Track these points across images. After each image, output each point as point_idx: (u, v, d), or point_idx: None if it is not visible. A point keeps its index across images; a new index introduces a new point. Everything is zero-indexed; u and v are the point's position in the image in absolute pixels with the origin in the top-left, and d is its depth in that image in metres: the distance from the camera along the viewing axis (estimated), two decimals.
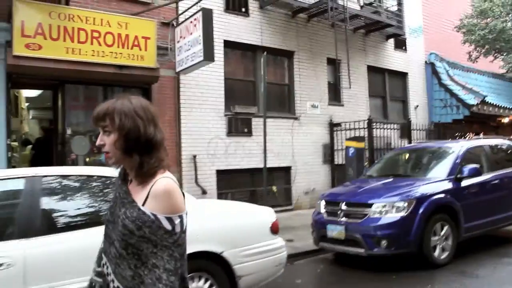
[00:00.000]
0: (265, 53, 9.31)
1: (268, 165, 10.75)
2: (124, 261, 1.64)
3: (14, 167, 8.35)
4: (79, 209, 3.98)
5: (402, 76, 15.19)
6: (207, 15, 8.60)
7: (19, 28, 7.81)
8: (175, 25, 9.69)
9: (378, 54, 14.21)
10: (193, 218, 4.42)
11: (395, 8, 14.60)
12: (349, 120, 12.41)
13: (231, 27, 10.81)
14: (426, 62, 15.81)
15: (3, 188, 3.81)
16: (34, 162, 9.53)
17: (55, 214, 3.82)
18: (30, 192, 3.69)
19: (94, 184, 4.17)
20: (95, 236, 3.77)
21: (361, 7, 12.86)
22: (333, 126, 12.54)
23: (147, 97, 9.41)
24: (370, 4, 13.40)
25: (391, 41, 14.60)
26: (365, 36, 13.77)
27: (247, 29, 11.16)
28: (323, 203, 7.26)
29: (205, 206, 5.03)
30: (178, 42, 9.37)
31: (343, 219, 6.70)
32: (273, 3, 11.44)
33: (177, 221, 1.65)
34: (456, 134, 14.12)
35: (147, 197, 1.66)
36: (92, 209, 4.03)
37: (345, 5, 11.89)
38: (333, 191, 7.80)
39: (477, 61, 17.02)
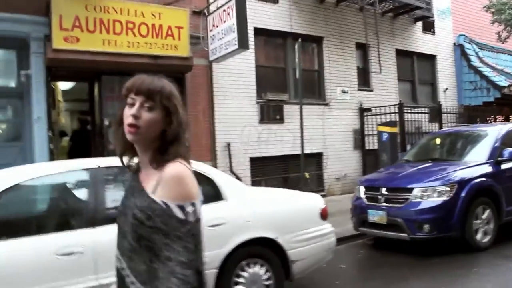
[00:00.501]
0: (299, 40, 9.27)
1: (299, 152, 10.80)
2: (137, 255, 1.55)
3: (53, 159, 8.51)
4: None
5: (430, 59, 14.96)
6: (241, 3, 8.60)
7: (57, 22, 7.92)
8: (206, 14, 9.71)
9: (407, 37, 14.01)
10: (248, 205, 4.58)
11: None
12: (378, 105, 12.33)
13: (260, 14, 10.76)
14: (454, 44, 15.52)
15: (70, 179, 3.92)
16: (72, 153, 9.70)
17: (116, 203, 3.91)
18: (95, 182, 3.79)
19: None
20: None
21: None
22: (363, 111, 12.46)
23: (181, 86, 9.49)
24: None
25: (419, 23, 14.37)
26: (393, 19, 13.58)
27: (276, 15, 11.10)
28: (362, 188, 7.25)
29: (257, 193, 5.10)
30: (210, 31, 9.39)
31: (384, 204, 6.71)
32: None
33: (189, 209, 1.50)
34: (489, 118, 13.86)
35: (157, 184, 1.54)
36: None
37: None
38: (372, 177, 7.78)
39: (506, 41, 16.63)
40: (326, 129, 11.70)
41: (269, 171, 10.69)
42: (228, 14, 8.71)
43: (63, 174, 4.00)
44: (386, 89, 13.24)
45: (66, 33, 7.98)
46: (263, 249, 4.50)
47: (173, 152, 1.56)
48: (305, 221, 4.86)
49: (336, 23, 12.21)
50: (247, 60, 10.38)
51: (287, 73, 11.34)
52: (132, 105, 1.57)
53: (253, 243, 4.40)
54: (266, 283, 4.43)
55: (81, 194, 3.91)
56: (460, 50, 15.38)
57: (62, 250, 3.39)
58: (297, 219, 4.82)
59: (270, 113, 10.75)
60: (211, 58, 9.38)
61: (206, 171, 4.57)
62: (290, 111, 10.97)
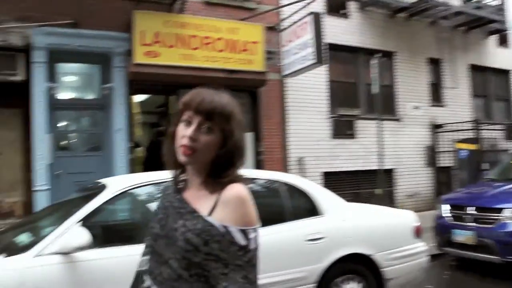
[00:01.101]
0: (379, 54, 9.10)
1: (371, 167, 10.53)
2: (186, 284, 1.36)
3: (133, 169, 8.67)
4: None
5: (505, 74, 14.29)
6: (317, 18, 8.55)
7: (138, 37, 8.17)
8: (279, 30, 9.72)
9: (480, 52, 13.47)
10: (345, 220, 4.43)
11: (496, 3, 13.78)
12: (451, 121, 11.86)
13: (332, 30, 10.64)
14: None
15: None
16: (147, 164, 9.87)
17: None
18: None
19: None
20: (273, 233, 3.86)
21: (464, 2, 12.26)
22: (435, 128, 12.01)
23: (254, 101, 9.53)
24: (470, 0, 12.77)
25: (493, 37, 13.79)
26: (466, 33, 13.10)
27: (347, 30, 10.98)
28: (446, 207, 6.90)
29: (353, 208, 4.95)
30: (284, 46, 9.38)
31: (473, 224, 6.33)
32: (373, 4, 11.18)
33: (252, 235, 1.34)
34: None
35: (214, 206, 1.38)
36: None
37: (447, 1, 11.39)
38: (456, 195, 7.41)
39: None
40: (398, 145, 11.34)
41: (341, 186, 10.44)
42: (304, 29, 8.67)
43: None
44: (459, 105, 12.73)
45: (147, 48, 8.21)
46: (358, 266, 4.35)
47: (230, 175, 1.43)
48: (400, 238, 4.68)
49: (408, 38, 11.91)
50: (319, 75, 10.27)
51: (358, 88, 11.14)
52: (189, 123, 1.42)
53: (348, 259, 4.26)
54: None
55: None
56: None
57: None
58: (392, 236, 4.65)
59: (342, 128, 10.56)
60: (285, 73, 9.35)
61: (301, 185, 4.49)
62: (362, 126, 10.77)
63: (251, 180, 3.66)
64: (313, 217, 4.29)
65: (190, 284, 1.35)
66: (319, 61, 8.43)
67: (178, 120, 1.46)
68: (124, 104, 8.41)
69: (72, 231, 3.24)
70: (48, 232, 3.36)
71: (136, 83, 8.50)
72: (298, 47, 8.86)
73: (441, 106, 12.41)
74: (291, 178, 4.69)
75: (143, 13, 8.25)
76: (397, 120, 11.51)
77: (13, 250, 3.33)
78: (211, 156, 1.42)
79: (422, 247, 4.81)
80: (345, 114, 10.67)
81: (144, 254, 1.55)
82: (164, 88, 9.38)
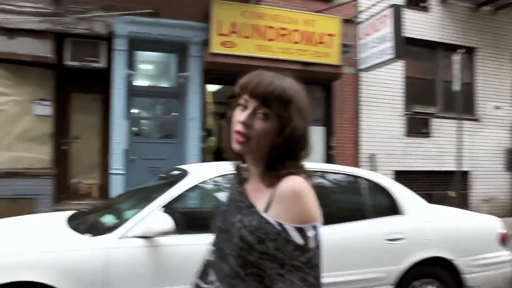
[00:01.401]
0: (462, 50, 8.65)
1: (445, 168, 10.08)
2: (242, 283, 1.27)
3: (204, 157, 8.73)
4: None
5: None
6: (398, 11, 8.21)
7: (216, 27, 8.17)
8: (356, 22, 9.43)
9: None
10: (427, 222, 4.20)
11: None
12: None
13: (411, 23, 10.19)
14: None
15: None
16: (217, 153, 9.94)
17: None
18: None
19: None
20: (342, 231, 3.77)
21: None
22: None
23: (328, 94, 9.33)
24: None
25: None
26: None
27: (427, 25, 10.48)
28: None
29: (435, 210, 4.70)
30: (361, 39, 9.10)
31: None
32: None
33: (311, 233, 1.21)
34: None
35: (270, 201, 1.26)
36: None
37: None
38: None
39: None
40: (475, 146, 10.73)
41: (412, 186, 9.82)
42: (383, 22, 8.35)
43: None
44: None
45: (223, 38, 8.20)
46: (439, 270, 4.13)
47: (288, 167, 1.29)
48: (483, 244, 4.42)
49: (492, 33, 11.21)
50: (395, 70, 9.88)
51: (436, 85, 10.64)
52: (245, 108, 1.31)
53: (428, 262, 4.06)
54: None
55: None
56: None
57: None
58: (476, 241, 4.39)
59: (417, 126, 10.14)
60: (361, 67, 9.07)
61: (383, 182, 4.32)
62: (438, 125, 10.30)
63: (314, 173, 3.52)
64: (394, 216, 4.13)
65: (246, 283, 1.26)
66: (398, 56, 8.10)
67: (236, 104, 1.35)
68: (199, 93, 8.48)
69: (155, 216, 3.26)
70: (131, 215, 3.41)
71: (210, 73, 8.54)
72: (376, 41, 8.55)
73: None
74: (372, 174, 4.52)
75: (221, 3, 8.24)
76: (475, 120, 10.89)
77: (98, 230, 3.41)
78: (267, 145, 1.29)
79: (507, 256, 4.51)
80: (420, 111, 10.22)
81: (212, 244, 1.46)
82: (237, 79, 9.39)
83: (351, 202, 4.26)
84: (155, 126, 8.82)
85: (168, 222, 3.18)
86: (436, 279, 4.12)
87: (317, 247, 1.23)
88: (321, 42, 8.76)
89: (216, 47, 8.12)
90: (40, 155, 7.93)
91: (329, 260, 3.48)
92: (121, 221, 3.45)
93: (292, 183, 1.25)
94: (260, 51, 8.38)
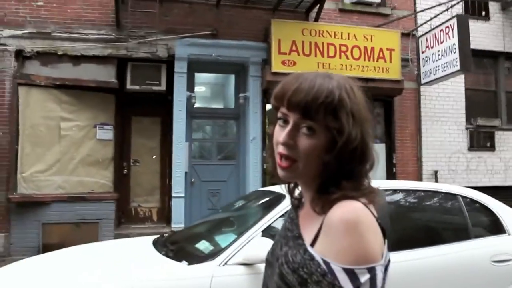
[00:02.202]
0: None
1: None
2: None
3: (266, 178, 8.53)
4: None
5: None
6: (463, 22, 7.86)
7: (276, 46, 8.02)
8: (416, 36, 9.10)
9: None
10: None
11: None
12: None
13: (471, 34, 9.80)
14: None
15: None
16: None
17: None
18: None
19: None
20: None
21: None
22: None
23: (389, 110, 9.00)
24: None
25: None
26: None
27: (488, 34, 10.03)
28: None
29: None
30: (423, 52, 8.75)
31: None
32: None
33: (364, 278, 0.90)
34: None
35: (318, 232, 1.00)
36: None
37: None
38: None
39: None
40: None
41: None
42: (447, 33, 8.01)
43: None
44: None
45: (284, 57, 8.04)
46: None
47: (344, 188, 1.00)
48: None
49: None
50: (456, 83, 9.47)
51: (499, 96, 10.16)
52: (285, 122, 1.05)
53: None
54: None
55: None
56: None
57: None
58: None
59: (480, 140, 9.67)
60: (423, 81, 8.72)
61: (483, 200, 4.01)
62: (502, 137, 9.79)
63: (379, 195, 3.28)
64: (498, 236, 3.81)
65: None
66: (464, 68, 7.72)
67: (275, 119, 1.10)
68: (259, 113, 8.31)
69: (256, 242, 3.05)
70: (229, 242, 3.23)
71: (271, 93, 8.35)
72: (439, 53, 8.19)
73: None
74: (470, 192, 4.18)
75: (280, 22, 8.11)
76: None
77: (194, 257, 3.23)
78: (318, 165, 1.03)
79: None
80: (483, 124, 9.75)
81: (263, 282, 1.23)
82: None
83: (452, 222, 3.96)
84: (214, 148, 8.68)
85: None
86: None
87: None
88: (381, 57, 8.49)
89: (276, 66, 7.95)
90: (101, 179, 7.92)
91: (431, 285, 3.26)
92: (217, 247, 3.29)
93: (344, 209, 0.96)
94: (320, 69, 8.11)
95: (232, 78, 8.75)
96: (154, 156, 8.52)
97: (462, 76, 9.51)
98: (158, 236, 4.16)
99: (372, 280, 0.91)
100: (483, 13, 10.04)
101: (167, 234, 4.26)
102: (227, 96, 8.84)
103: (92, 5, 7.81)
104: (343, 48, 8.32)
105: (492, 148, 9.74)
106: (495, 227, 3.86)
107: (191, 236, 4.02)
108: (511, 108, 10.16)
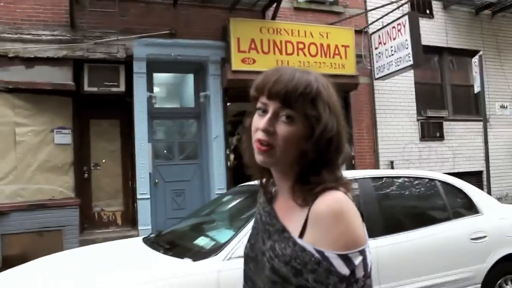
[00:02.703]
0: (480, 53, 8.69)
1: (459, 169, 10.09)
2: None
3: (230, 175, 8.51)
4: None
5: None
6: (414, 19, 8.18)
7: (235, 45, 8.02)
8: (368, 32, 9.39)
9: None
10: (504, 219, 4.10)
11: None
12: None
13: None
14: None
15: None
16: (235, 170, 9.74)
17: None
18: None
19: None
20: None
21: None
22: None
23: (346, 105, 9.21)
24: None
25: None
26: None
27: (432, 31, 10.50)
28: None
29: (505, 207, 4.63)
30: (376, 48, 9.04)
31: None
32: (458, 3, 10.69)
33: (357, 260, 0.97)
34: None
35: (305, 224, 1.03)
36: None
37: None
38: None
39: None
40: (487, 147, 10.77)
41: None
42: (399, 30, 8.31)
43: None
44: None
45: (243, 55, 8.07)
46: None
47: (325, 179, 1.05)
48: None
49: (493, 36, 11.31)
50: (406, 78, 9.85)
51: (445, 89, 10.67)
52: (264, 112, 1.09)
53: (508, 259, 4.02)
54: None
55: None
56: None
57: None
58: None
59: (430, 130, 10.12)
60: (377, 76, 9.00)
61: (457, 183, 4.32)
62: (449, 127, 10.30)
63: (354, 184, 3.48)
64: (473, 216, 4.10)
65: None
66: (416, 63, 8.05)
67: (253, 110, 1.14)
68: (221, 111, 8.29)
69: None
70: (229, 236, 3.26)
71: (232, 90, 8.37)
72: (392, 49, 8.50)
73: None
74: (446, 177, 4.43)
75: (239, 21, 8.12)
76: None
77: (197, 254, 3.23)
78: (296, 153, 1.06)
79: None
80: (432, 116, 10.21)
81: (243, 277, 1.24)
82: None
83: (433, 205, 4.20)
84: (176, 147, 8.57)
85: None
86: None
87: (366, 275, 0.98)
88: (337, 54, 8.69)
89: (237, 65, 7.96)
90: (62, 184, 7.62)
91: (422, 263, 3.43)
92: (218, 243, 3.31)
93: (330, 200, 1.01)
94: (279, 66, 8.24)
95: (191, 77, 8.67)
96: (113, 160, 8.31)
97: (412, 70, 9.92)
98: (146, 236, 4.10)
99: (364, 260, 0.98)
100: (428, 11, 10.49)
101: (153, 235, 4.19)
102: (186, 96, 8.75)
103: (43, 5, 7.48)
104: (301, 46, 8.45)
105: (441, 137, 10.22)
106: (470, 208, 4.13)
107: (185, 234, 3.98)
108: (456, 99, 10.70)
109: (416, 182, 4.20)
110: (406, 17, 8.13)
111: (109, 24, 7.47)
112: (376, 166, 9.37)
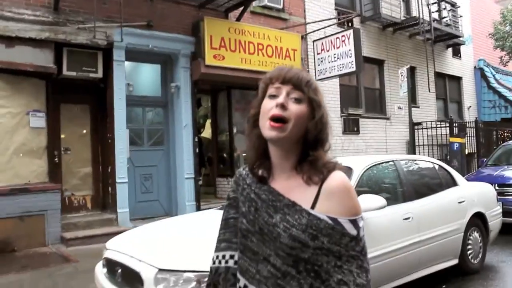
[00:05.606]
0: (407, 66, 10.27)
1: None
2: (293, 281, 1.21)
3: (201, 162, 8.90)
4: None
5: (457, 80, 16.27)
6: (357, 34, 9.43)
7: (208, 41, 8.48)
8: (307, 40, 10.48)
9: (442, 61, 15.21)
10: (471, 189, 5.78)
11: (453, 19, 15.44)
12: (422, 120, 13.38)
13: None
14: (475, 67, 16.95)
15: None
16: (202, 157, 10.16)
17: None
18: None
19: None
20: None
21: (434, 21, 13.80)
22: (414, 125, 13.44)
23: None
24: (442, 18, 14.31)
25: (450, 49, 15.65)
26: (433, 45, 14.67)
27: None
28: None
29: (469, 182, 6.19)
30: (318, 53, 10.13)
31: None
32: (372, 19, 12.33)
33: (361, 223, 1.23)
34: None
35: (316, 197, 1.23)
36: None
37: (429, 20, 12.85)
38: (478, 177, 8.54)
39: (507, 65, 18.33)
40: (388, 140, 12.63)
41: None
42: (343, 41, 9.51)
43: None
44: (428, 106, 14.36)
45: (215, 51, 8.57)
46: (479, 221, 5.60)
47: (322, 157, 1.27)
48: (493, 202, 6.05)
49: (394, 49, 13.22)
50: (333, 81, 11.12)
51: (360, 91, 12.25)
52: (275, 96, 1.27)
53: (474, 216, 5.47)
54: (480, 244, 5.57)
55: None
56: (480, 73, 16.81)
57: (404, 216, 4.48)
58: (490, 200, 6.01)
59: (350, 126, 11.59)
60: (318, 77, 10.08)
61: (443, 165, 5.77)
62: (364, 123, 11.90)
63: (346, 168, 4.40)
64: (455, 187, 5.48)
65: (298, 280, 1.21)
66: (358, 70, 9.34)
67: (262, 99, 1.31)
68: (190, 102, 8.68)
69: (367, 197, 3.91)
70: None
71: (201, 83, 8.80)
72: (335, 56, 9.66)
73: (416, 107, 13.87)
74: (436, 160, 6.03)
75: (211, 19, 8.59)
76: (387, 119, 12.79)
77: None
78: (302, 129, 1.26)
79: (499, 209, 6.17)
80: (351, 113, 11.71)
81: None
82: (220, 88, 9.84)
83: (434, 180, 5.43)
84: (145, 134, 8.73)
85: (381, 199, 3.95)
86: (477, 227, 5.57)
87: (363, 234, 1.24)
88: (287, 56, 9.63)
89: (209, 60, 8.45)
90: (36, 169, 7.37)
91: (431, 220, 4.61)
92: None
93: (341, 179, 1.24)
94: (243, 64, 8.92)
95: (159, 68, 8.87)
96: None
97: None
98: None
99: (363, 223, 1.26)
100: (350, 24, 11.91)
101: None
102: (154, 85, 8.92)
103: None
104: (260, 47, 9.21)
105: (357, 132, 11.77)
106: (453, 182, 5.55)
107: None
108: (369, 100, 12.39)
109: (423, 164, 5.58)
110: (351, 31, 9.37)
111: (91, 10, 7.37)
112: None
